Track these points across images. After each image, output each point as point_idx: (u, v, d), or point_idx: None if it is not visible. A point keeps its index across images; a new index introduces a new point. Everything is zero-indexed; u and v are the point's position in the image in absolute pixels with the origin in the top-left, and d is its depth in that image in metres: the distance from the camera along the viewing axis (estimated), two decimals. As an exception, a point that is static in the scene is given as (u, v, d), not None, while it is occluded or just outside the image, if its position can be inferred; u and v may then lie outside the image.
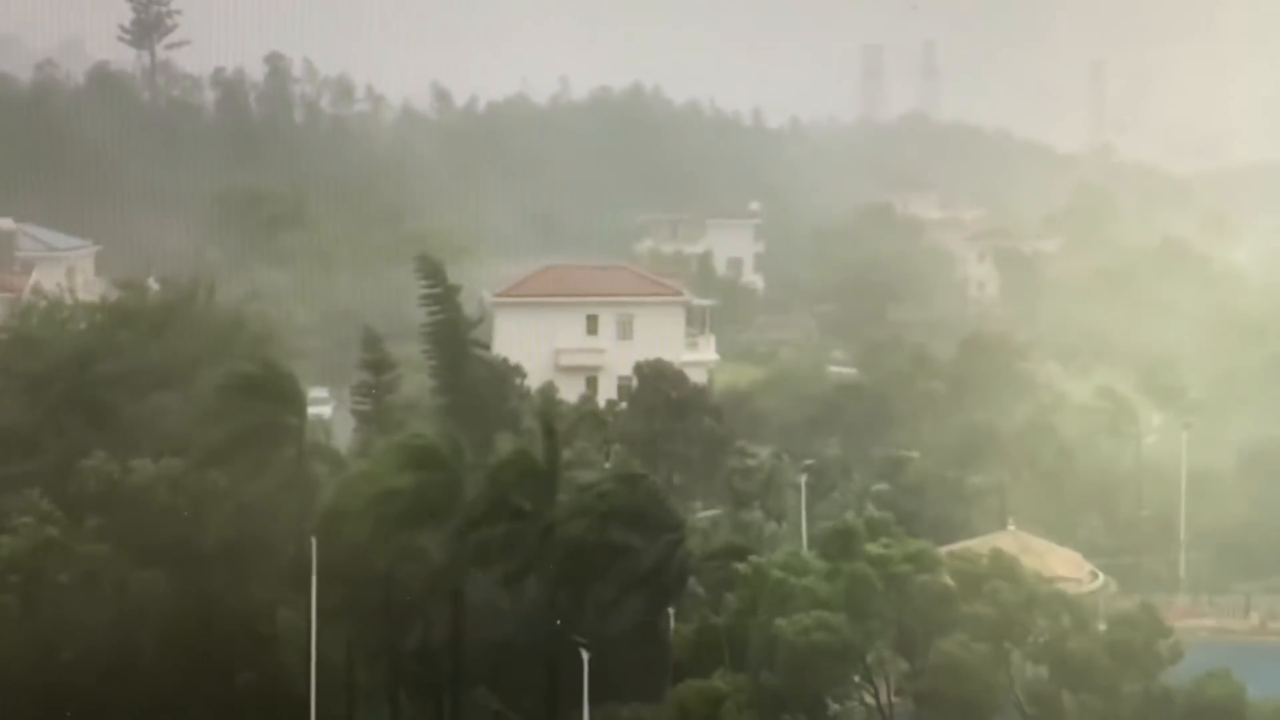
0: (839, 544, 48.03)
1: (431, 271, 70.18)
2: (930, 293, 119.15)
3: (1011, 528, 59.76)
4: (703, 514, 63.61)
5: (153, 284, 67.41)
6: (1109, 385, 78.59)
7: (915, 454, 74.65)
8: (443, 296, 69.38)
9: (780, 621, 45.23)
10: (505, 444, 55.95)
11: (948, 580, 46.46)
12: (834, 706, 47.11)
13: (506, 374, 71.95)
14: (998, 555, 47.79)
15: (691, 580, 53.34)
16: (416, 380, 69.93)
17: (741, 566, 49.55)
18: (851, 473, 71.17)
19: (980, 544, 53.73)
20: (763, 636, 46.21)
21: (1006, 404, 79.73)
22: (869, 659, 46.38)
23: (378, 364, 64.27)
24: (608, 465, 62.54)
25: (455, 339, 68.64)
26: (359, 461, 56.53)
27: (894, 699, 46.89)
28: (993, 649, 44.78)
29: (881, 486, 68.43)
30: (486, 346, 73.81)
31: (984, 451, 75.47)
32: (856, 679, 46.63)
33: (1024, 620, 45.29)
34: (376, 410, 64.33)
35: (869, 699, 46.95)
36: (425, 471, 53.40)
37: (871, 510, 55.85)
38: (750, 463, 72.43)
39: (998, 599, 45.26)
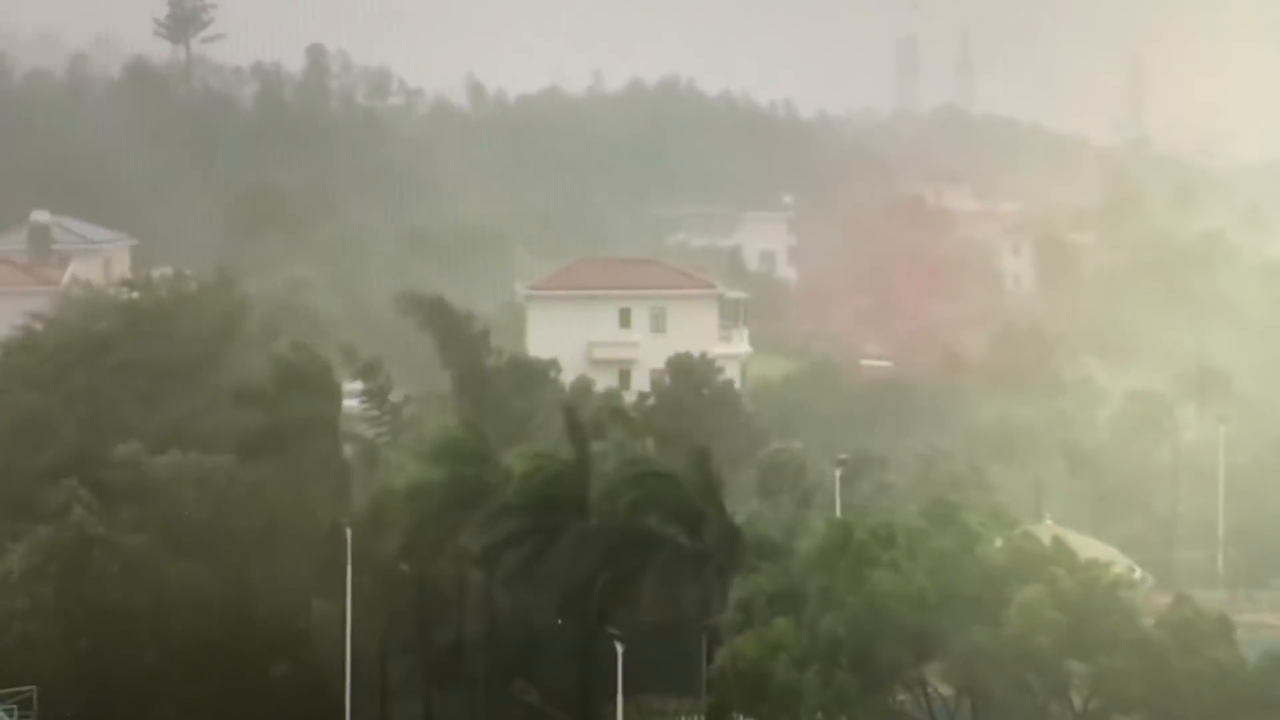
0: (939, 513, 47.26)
1: (410, 305, 69.98)
2: (965, 286, 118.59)
3: (1048, 521, 59.40)
4: (736, 511, 63.39)
5: (167, 274, 67.50)
6: (1146, 380, 78.04)
7: (949, 448, 74.29)
8: (432, 315, 68.91)
9: (876, 573, 44.12)
10: (534, 441, 55.93)
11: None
12: (902, 697, 46.37)
13: (533, 370, 71.78)
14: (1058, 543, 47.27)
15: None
16: (442, 376, 69.85)
17: (821, 523, 48.65)
18: (885, 467, 70.85)
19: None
20: (833, 591, 44.99)
21: (1042, 398, 79.28)
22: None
23: (365, 371, 63.94)
24: (638, 457, 62.31)
25: (459, 341, 68.34)
26: (394, 454, 56.66)
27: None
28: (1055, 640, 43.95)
29: (912, 480, 68.00)
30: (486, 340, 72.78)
31: (1020, 446, 75.04)
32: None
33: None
34: (384, 412, 64.06)
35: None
36: (459, 465, 53.50)
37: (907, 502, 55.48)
38: (782, 457, 72.20)
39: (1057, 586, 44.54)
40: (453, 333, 68.29)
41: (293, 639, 53.73)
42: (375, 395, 62.88)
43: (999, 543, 46.51)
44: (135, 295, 64.75)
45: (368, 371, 61.90)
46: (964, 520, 46.86)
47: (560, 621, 52.60)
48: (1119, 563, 56.15)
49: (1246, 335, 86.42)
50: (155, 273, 70.68)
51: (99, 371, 60.12)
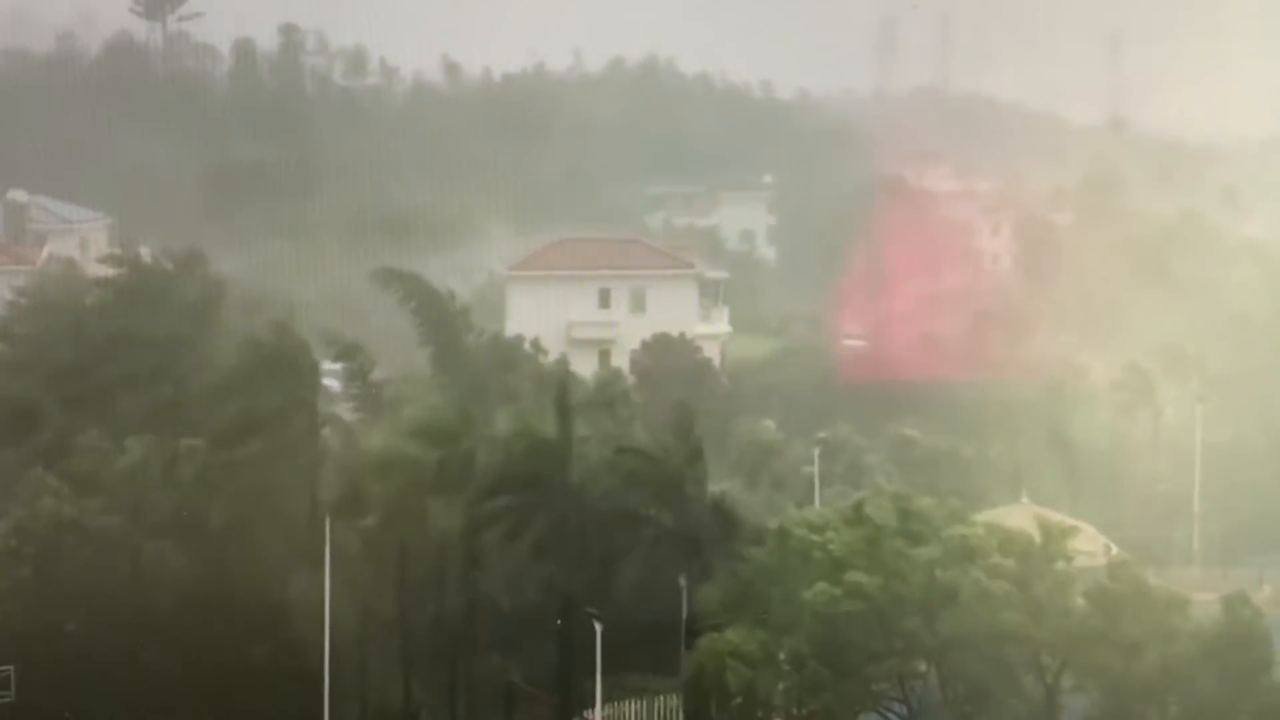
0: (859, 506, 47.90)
1: (387, 279, 69.93)
2: (944, 266, 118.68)
3: (1025, 501, 59.67)
4: (712, 488, 63.50)
5: (144, 256, 67.25)
6: (1125, 359, 78.34)
7: (927, 428, 74.51)
8: (411, 291, 68.94)
9: (805, 593, 44.90)
10: (513, 416, 55.89)
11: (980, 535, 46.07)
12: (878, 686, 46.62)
13: (513, 349, 71.75)
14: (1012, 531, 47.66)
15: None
16: (422, 355, 69.79)
17: (770, 523, 49.34)
18: (864, 447, 71.04)
19: (994, 517, 53.63)
20: (788, 599, 45.85)
21: (1021, 378, 79.50)
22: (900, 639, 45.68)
23: (345, 352, 63.87)
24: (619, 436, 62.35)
25: (438, 318, 68.36)
26: (371, 432, 56.58)
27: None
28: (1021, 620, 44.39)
29: (890, 465, 68.25)
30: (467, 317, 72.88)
31: (998, 425, 75.30)
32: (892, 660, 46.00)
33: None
34: (364, 391, 64.01)
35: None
36: (438, 442, 53.45)
37: (883, 483, 55.72)
38: (761, 436, 72.32)
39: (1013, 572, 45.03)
40: (431, 309, 68.25)
41: (272, 619, 53.66)
42: (355, 375, 62.79)
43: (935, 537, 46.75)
44: (116, 272, 64.39)
45: (346, 352, 61.83)
46: (910, 512, 47.17)
47: (541, 601, 52.66)
48: (1094, 541, 56.47)
49: (1224, 315, 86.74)
50: (137, 252, 70.28)
51: (80, 350, 59.85)
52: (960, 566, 45.27)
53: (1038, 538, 46.54)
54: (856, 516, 47.59)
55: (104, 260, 66.67)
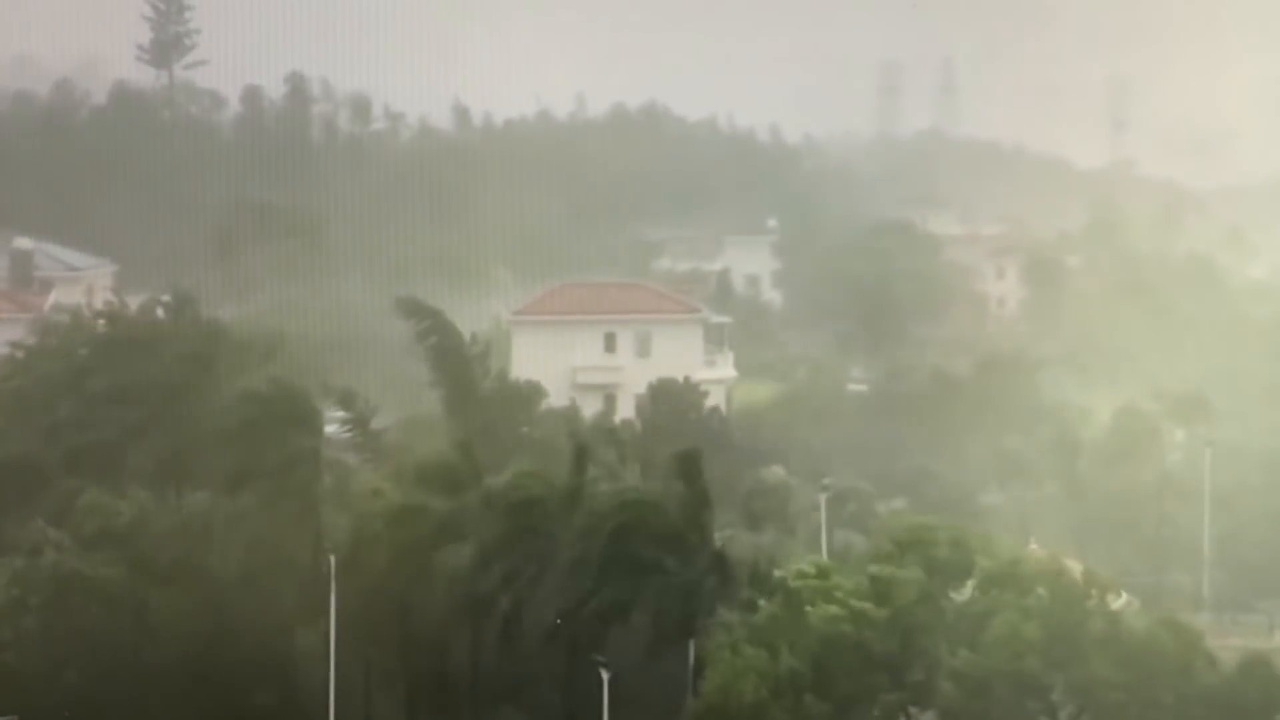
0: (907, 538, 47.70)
1: (411, 309, 69.89)
2: (949, 310, 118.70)
3: (1033, 546, 59.28)
4: (717, 534, 63.20)
5: (141, 302, 67.13)
6: (1131, 402, 78.05)
7: (935, 471, 74.22)
8: (431, 327, 68.90)
9: (810, 609, 44.58)
10: (520, 464, 55.69)
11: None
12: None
13: (522, 394, 71.62)
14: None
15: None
16: (430, 400, 69.61)
17: (780, 573, 49.07)
18: (872, 492, 70.72)
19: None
20: (793, 626, 45.53)
21: (1027, 422, 79.22)
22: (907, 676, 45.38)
23: (344, 400, 63.66)
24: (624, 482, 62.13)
25: (456, 358, 68.27)
26: (376, 481, 56.35)
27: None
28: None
29: (899, 504, 67.95)
30: (486, 362, 72.96)
31: (1005, 469, 74.98)
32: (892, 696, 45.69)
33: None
34: (365, 438, 63.80)
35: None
36: (445, 491, 53.19)
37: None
38: (768, 482, 72.01)
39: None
40: (449, 348, 68.14)
41: (275, 668, 53.34)
42: (356, 423, 62.60)
43: (979, 566, 46.59)
44: (107, 324, 64.30)
45: (346, 400, 61.66)
46: (930, 548, 46.97)
47: (546, 649, 52.28)
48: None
49: (1231, 358, 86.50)
50: (134, 300, 70.19)
51: (80, 402, 59.73)
52: (994, 600, 44.91)
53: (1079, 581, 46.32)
54: (898, 551, 47.25)
55: (102, 312, 66.52)
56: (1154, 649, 44.38)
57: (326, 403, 60.16)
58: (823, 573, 47.25)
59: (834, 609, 44.46)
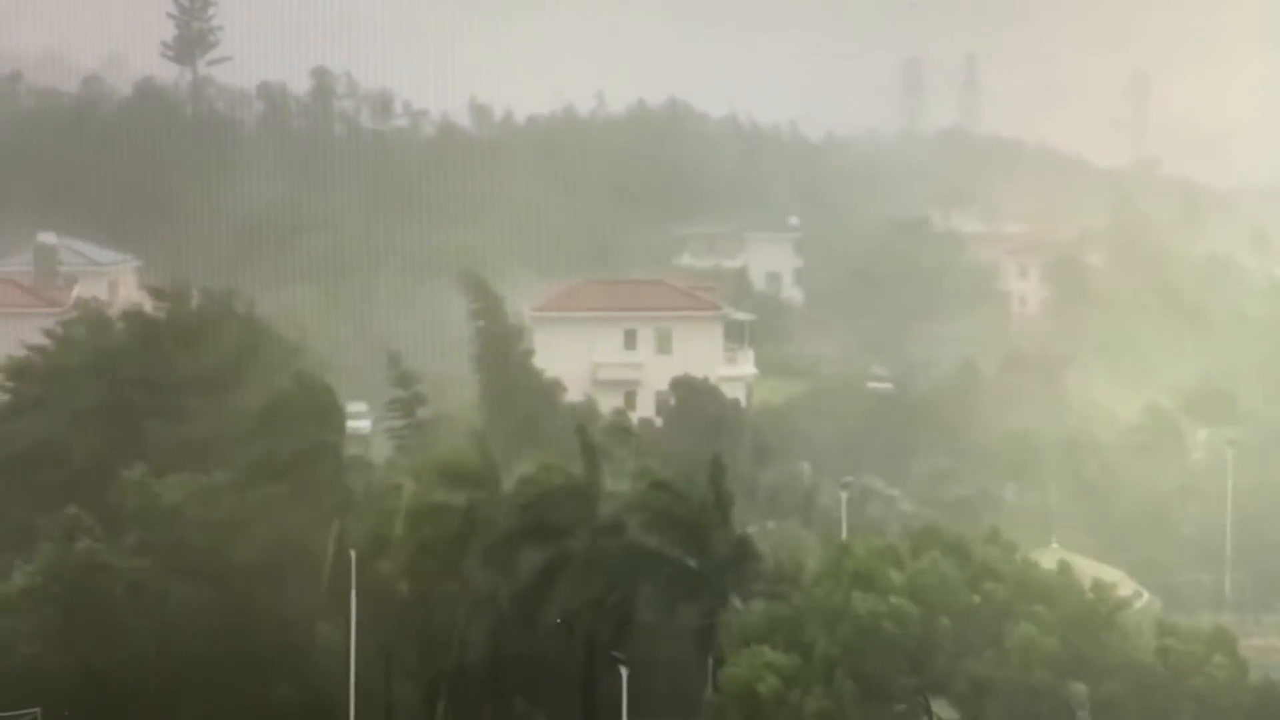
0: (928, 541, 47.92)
1: (474, 286, 70.34)
2: (971, 308, 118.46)
3: (1055, 545, 59.18)
4: (739, 529, 63.19)
5: (192, 294, 67.52)
6: (1154, 401, 77.82)
7: (955, 471, 74.10)
8: (488, 310, 69.56)
9: (857, 594, 44.83)
10: (541, 460, 55.83)
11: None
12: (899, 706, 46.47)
13: (553, 389, 72.01)
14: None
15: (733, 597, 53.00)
16: (453, 396, 69.89)
17: (819, 542, 49.16)
18: (893, 489, 70.69)
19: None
20: (828, 609, 45.70)
21: (1049, 420, 79.04)
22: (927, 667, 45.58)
23: (402, 379, 64.26)
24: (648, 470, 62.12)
25: (503, 351, 68.72)
26: (398, 477, 56.51)
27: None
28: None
29: (918, 508, 67.84)
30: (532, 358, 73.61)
31: (1027, 468, 74.82)
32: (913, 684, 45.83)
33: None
34: (409, 426, 64.33)
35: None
36: (464, 487, 53.31)
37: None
38: (789, 479, 72.00)
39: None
40: (496, 334, 68.54)
41: (296, 660, 53.53)
42: (404, 405, 62.95)
43: (1001, 567, 46.70)
44: (160, 310, 64.44)
45: (404, 379, 62.08)
46: (964, 545, 47.10)
47: (565, 644, 52.40)
48: (1125, 587, 55.93)
49: (1254, 357, 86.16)
50: (151, 287, 70.28)
51: (102, 391, 60.01)
52: (1013, 609, 45.10)
53: (1089, 594, 46.35)
54: (923, 545, 47.43)
55: (156, 292, 66.50)
56: (1167, 664, 44.38)
57: (390, 375, 60.40)
58: (882, 556, 47.25)
59: (877, 603, 44.54)
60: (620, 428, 67.95)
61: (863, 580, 45.81)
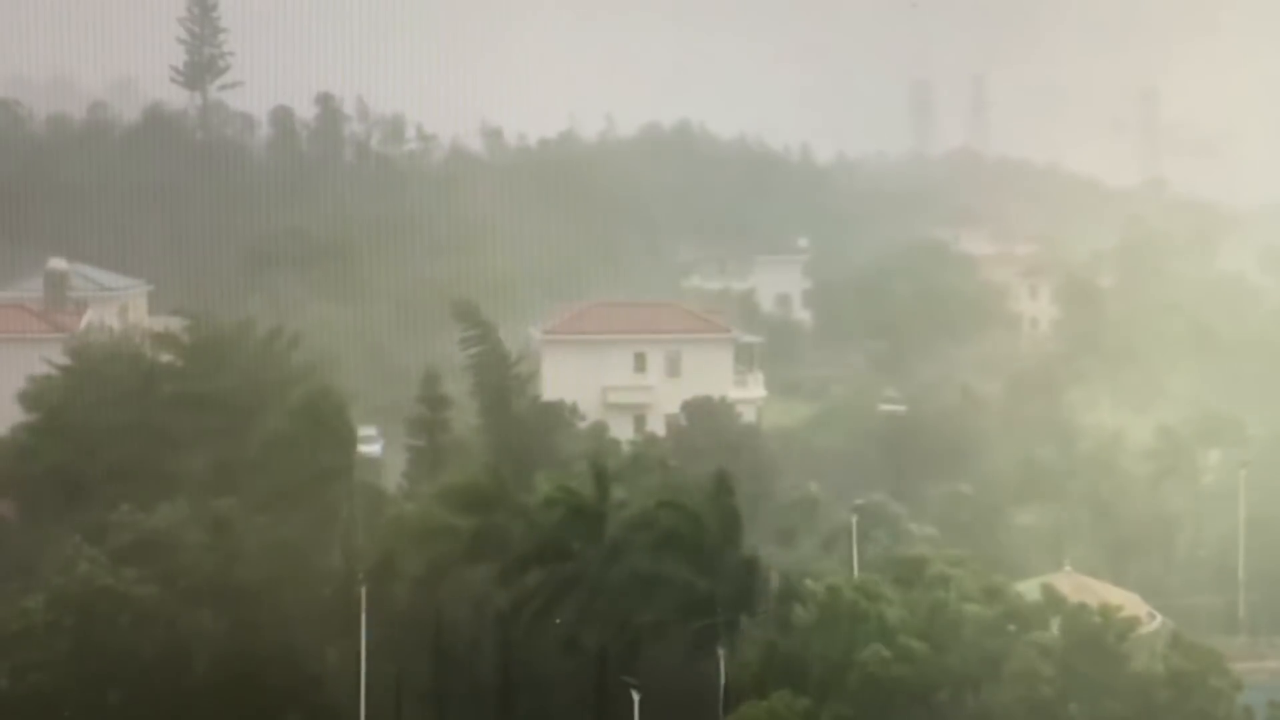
0: (911, 570, 47.67)
1: (466, 313, 70.30)
2: (982, 329, 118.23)
3: (1068, 569, 58.92)
4: (748, 551, 62.91)
5: (205, 320, 67.59)
6: (1165, 423, 77.49)
7: (968, 492, 73.80)
8: (481, 336, 69.43)
9: (863, 652, 44.66)
10: (549, 482, 55.70)
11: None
12: None
13: (557, 412, 71.83)
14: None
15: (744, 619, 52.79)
16: (459, 421, 69.80)
17: (812, 584, 49.01)
18: (905, 512, 70.38)
19: (1036, 585, 52.95)
20: (832, 662, 45.59)
21: (1061, 442, 78.75)
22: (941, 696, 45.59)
23: (434, 400, 64.28)
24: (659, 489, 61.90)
25: (498, 376, 68.66)
26: (408, 501, 56.43)
27: None
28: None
29: (930, 531, 67.55)
30: (530, 384, 73.58)
31: (1039, 490, 74.49)
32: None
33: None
34: (431, 447, 64.26)
35: None
36: (474, 511, 53.20)
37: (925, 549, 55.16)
38: (800, 501, 71.75)
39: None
40: (492, 361, 68.51)
41: (305, 686, 53.37)
42: (429, 427, 62.96)
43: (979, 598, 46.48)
44: (159, 334, 64.57)
45: (435, 402, 62.11)
46: (950, 577, 46.90)
47: (587, 664, 52.18)
48: (1138, 609, 55.59)
49: (1266, 378, 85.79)
50: (171, 309, 70.42)
51: (110, 418, 60.05)
52: (1009, 635, 44.87)
53: (1096, 618, 46.07)
54: (912, 576, 47.29)
55: (180, 313, 66.71)
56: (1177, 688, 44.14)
57: (422, 394, 60.43)
58: (870, 595, 47.11)
59: (883, 650, 44.41)
60: (661, 461, 67.38)
61: (854, 624, 45.70)
